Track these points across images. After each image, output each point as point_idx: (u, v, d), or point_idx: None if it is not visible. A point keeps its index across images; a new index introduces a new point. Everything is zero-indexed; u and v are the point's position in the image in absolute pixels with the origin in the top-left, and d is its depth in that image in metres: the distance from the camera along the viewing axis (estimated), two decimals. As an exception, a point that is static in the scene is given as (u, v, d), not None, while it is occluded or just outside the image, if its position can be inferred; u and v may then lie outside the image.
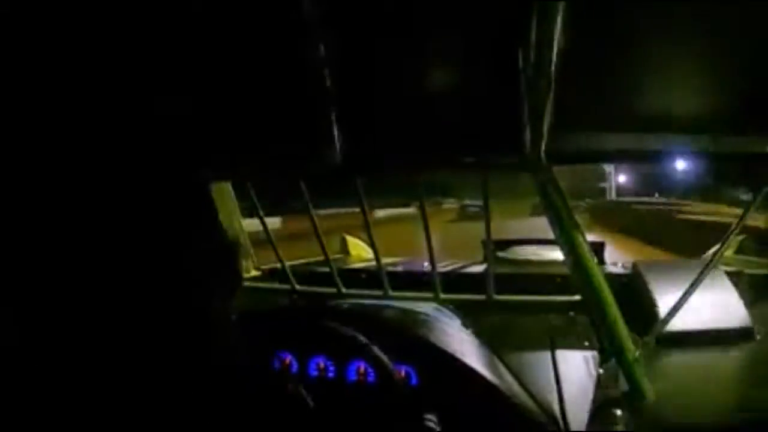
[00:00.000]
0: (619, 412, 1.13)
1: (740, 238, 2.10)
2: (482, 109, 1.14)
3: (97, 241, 1.46)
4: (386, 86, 1.18)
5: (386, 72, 1.16)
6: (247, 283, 1.90)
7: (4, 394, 1.24)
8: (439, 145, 1.32)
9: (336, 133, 1.29)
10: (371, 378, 1.48)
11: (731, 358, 1.29)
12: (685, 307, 1.24)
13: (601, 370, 1.25)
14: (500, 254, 2.22)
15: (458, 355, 1.37)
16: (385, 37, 1.09)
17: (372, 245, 1.67)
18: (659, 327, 1.30)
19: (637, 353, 1.17)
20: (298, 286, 1.79)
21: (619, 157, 1.29)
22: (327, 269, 1.72)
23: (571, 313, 1.50)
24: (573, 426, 1.18)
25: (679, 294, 1.28)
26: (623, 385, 1.18)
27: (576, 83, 1.04)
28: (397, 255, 2.26)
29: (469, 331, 1.45)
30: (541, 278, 1.75)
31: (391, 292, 1.64)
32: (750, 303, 1.37)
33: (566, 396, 1.23)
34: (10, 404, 1.19)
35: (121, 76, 1.26)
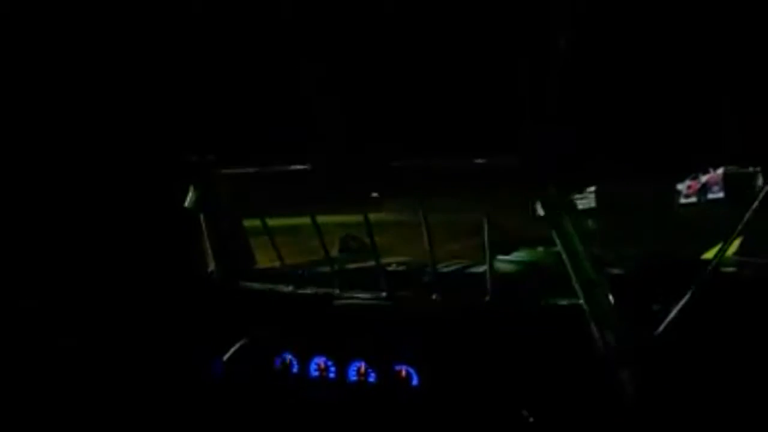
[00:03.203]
0: None
1: (741, 238, 2.09)
2: (483, 112, 1.15)
3: (92, 238, 1.47)
4: (388, 90, 1.19)
5: (387, 76, 1.16)
6: (247, 282, 1.90)
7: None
8: (441, 149, 1.32)
9: (336, 135, 1.29)
10: (371, 378, 1.48)
11: None
12: None
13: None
14: (501, 256, 2.22)
15: (458, 355, 1.38)
16: (387, 39, 1.09)
17: (372, 245, 1.67)
18: (660, 326, 1.30)
19: (638, 351, 1.17)
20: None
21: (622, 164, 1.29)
22: (327, 269, 1.72)
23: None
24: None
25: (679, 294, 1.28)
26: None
27: (580, 88, 1.04)
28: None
29: (469, 332, 1.45)
30: (541, 279, 1.75)
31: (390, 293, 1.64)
32: None
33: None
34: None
35: (120, 77, 1.27)
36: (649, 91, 1.07)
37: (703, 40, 0.96)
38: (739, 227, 1.26)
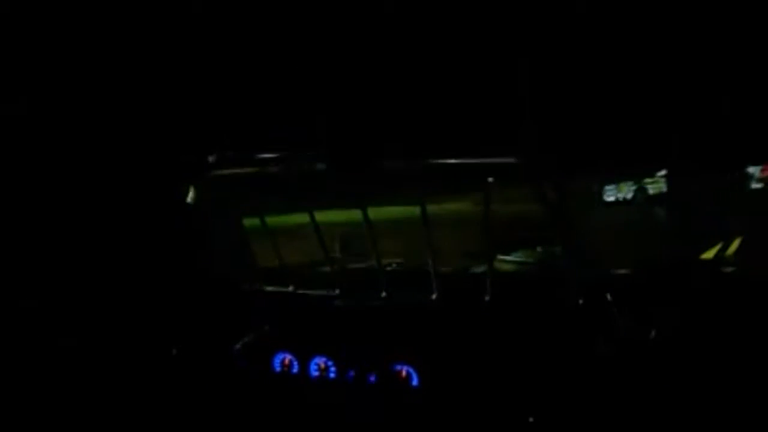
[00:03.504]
0: None
1: (740, 238, 2.09)
2: (483, 110, 1.15)
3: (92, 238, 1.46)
4: (389, 86, 1.18)
5: (387, 77, 1.16)
6: (248, 282, 1.90)
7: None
8: (441, 146, 1.32)
9: (336, 135, 1.29)
10: (371, 378, 1.48)
11: None
12: None
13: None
14: (501, 256, 2.22)
15: (458, 355, 1.38)
16: (387, 40, 1.08)
17: (372, 245, 1.67)
18: (661, 326, 1.30)
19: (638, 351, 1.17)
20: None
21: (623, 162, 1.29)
22: (327, 269, 1.72)
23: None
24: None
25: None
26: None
27: (577, 87, 1.04)
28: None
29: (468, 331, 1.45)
30: (540, 279, 1.75)
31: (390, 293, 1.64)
32: None
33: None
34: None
35: (120, 78, 1.27)
36: (648, 88, 1.07)
37: (705, 36, 0.96)
38: (739, 227, 1.26)
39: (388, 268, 1.85)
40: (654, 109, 1.10)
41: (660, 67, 1.04)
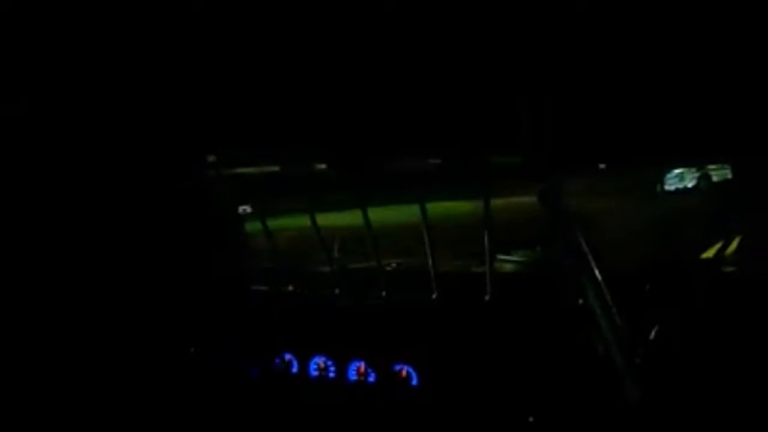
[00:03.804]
0: None
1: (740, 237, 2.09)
2: (485, 111, 1.15)
3: (94, 239, 1.47)
4: (388, 86, 1.19)
5: (388, 73, 1.16)
6: (248, 282, 1.91)
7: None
8: (442, 146, 1.32)
9: (334, 132, 1.29)
10: (371, 378, 1.49)
11: None
12: None
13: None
14: (501, 256, 2.21)
15: (458, 355, 1.38)
16: (388, 40, 1.09)
17: (373, 245, 1.67)
18: (661, 325, 1.30)
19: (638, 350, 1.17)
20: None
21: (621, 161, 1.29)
22: (327, 269, 1.72)
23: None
24: None
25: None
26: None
27: (578, 88, 1.04)
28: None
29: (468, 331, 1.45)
30: (540, 279, 1.75)
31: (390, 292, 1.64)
32: None
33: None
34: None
35: (122, 78, 1.27)
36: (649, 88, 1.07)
37: (703, 36, 0.96)
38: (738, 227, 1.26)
39: (388, 268, 1.85)
40: (654, 108, 1.10)
41: (660, 67, 1.04)
